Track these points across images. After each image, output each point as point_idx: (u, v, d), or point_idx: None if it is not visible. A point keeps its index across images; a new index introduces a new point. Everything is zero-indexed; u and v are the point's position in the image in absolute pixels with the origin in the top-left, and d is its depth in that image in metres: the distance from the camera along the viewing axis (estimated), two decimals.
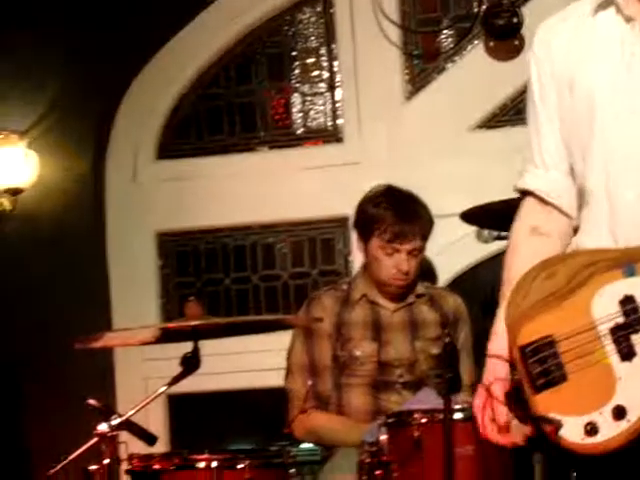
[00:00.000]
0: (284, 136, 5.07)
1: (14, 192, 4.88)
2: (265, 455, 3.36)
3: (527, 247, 2.17)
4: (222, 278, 5.10)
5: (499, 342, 2.12)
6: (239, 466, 3.20)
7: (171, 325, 3.31)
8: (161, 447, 3.41)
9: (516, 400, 2.07)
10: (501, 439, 2.13)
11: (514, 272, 2.13)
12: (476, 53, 4.88)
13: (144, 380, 4.89)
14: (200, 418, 5.08)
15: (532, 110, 2.19)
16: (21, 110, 4.98)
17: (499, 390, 2.10)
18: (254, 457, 3.24)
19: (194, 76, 5.08)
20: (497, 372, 2.12)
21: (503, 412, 2.10)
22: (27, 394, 4.88)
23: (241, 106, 5.11)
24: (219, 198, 5.02)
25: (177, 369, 3.11)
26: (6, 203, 4.92)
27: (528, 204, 2.22)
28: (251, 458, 3.21)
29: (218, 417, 5.08)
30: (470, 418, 2.98)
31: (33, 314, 4.91)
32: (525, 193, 2.22)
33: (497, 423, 2.11)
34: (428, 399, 3.40)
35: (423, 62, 4.97)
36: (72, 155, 4.99)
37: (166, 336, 3.36)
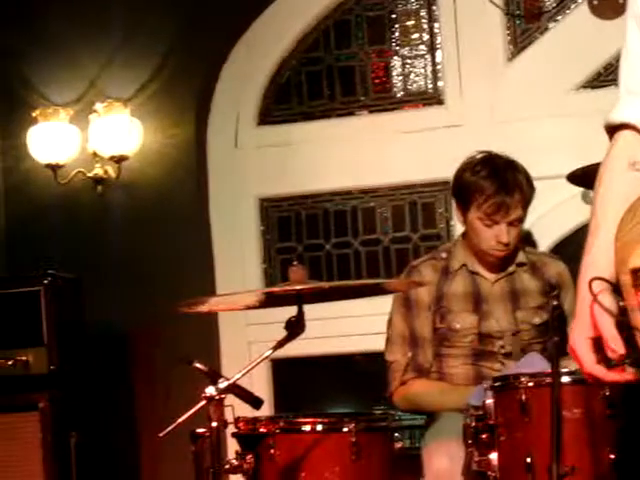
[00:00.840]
0: (384, 100, 5.04)
1: (118, 160, 4.94)
2: (370, 419, 3.37)
3: (624, 183, 2.01)
4: (323, 243, 5.10)
5: (596, 270, 1.95)
6: (344, 429, 3.22)
7: (275, 289, 3.32)
8: (265, 411, 3.44)
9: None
10: (613, 376, 1.93)
11: (608, 208, 1.99)
12: (579, 12, 4.79)
13: (248, 344, 4.94)
14: (302, 382, 5.11)
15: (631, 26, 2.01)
16: (125, 77, 5.03)
17: (608, 322, 1.90)
18: (359, 421, 3.25)
19: (294, 41, 5.08)
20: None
21: (618, 341, 1.88)
22: (134, 359, 4.96)
23: (341, 70, 5.09)
24: (320, 163, 5.02)
25: (280, 333, 3.12)
26: (111, 171, 4.99)
27: (624, 138, 2.04)
28: (356, 422, 3.23)
29: (320, 381, 5.11)
30: (578, 381, 2.98)
31: (137, 281, 4.98)
32: (618, 128, 2.04)
33: (613, 355, 1.89)
34: (534, 363, 3.37)
35: (525, 22, 4.89)
36: (175, 122, 5.03)
37: (270, 300, 3.38)
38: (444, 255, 3.79)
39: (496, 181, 3.60)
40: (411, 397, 3.68)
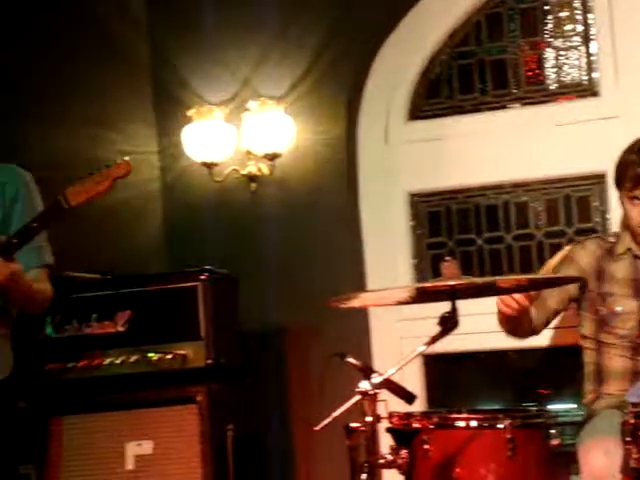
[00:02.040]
0: (537, 92, 4.98)
1: (272, 157, 5.00)
2: (526, 415, 3.34)
3: None
4: (474, 238, 5.07)
5: None
6: (499, 426, 3.20)
7: (428, 285, 3.32)
8: (416, 406, 3.43)
9: None
10: None
11: None
12: None
13: (399, 339, 4.95)
14: (453, 377, 5.09)
15: None
16: (277, 76, 5.09)
17: None
18: (514, 417, 3.22)
19: (445, 35, 5.05)
20: None
21: None
22: (287, 354, 5.02)
23: (493, 63, 5.05)
24: (470, 157, 4.99)
25: (430, 328, 3.12)
26: (264, 168, 5.05)
27: None
28: (511, 418, 3.20)
29: (471, 377, 5.07)
30: None
31: (290, 276, 5.04)
32: None
33: None
34: None
35: None
36: (326, 119, 5.07)
37: (422, 296, 3.38)
38: (612, 239, 3.78)
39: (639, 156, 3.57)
40: None
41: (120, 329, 4.23)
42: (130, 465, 4.12)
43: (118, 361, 4.19)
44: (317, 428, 3.14)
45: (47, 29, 4.90)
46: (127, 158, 3.30)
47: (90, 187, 3.23)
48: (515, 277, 3.95)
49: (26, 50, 4.84)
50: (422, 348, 3.10)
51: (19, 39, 4.82)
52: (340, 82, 5.06)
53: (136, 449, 4.11)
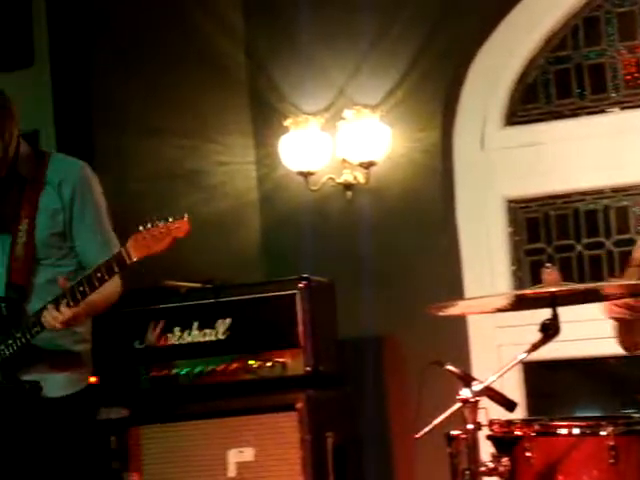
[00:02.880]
0: (636, 95, 4.91)
1: (367, 165, 5.02)
2: (628, 422, 3.29)
3: None
4: (574, 244, 5.02)
5: None
6: (601, 433, 3.15)
7: (528, 292, 3.29)
8: (517, 413, 3.41)
9: None
10: None
11: None
12: None
13: (497, 347, 4.92)
14: (553, 384, 5.05)
15: None
16: (372, 84, 5.11)
17: None
18: (617, 424, 3.18)
19: (542, 40, 5.02)
20: None
21: None
22: (385, 361, 5.02)
23: (590, 67, 5.00)
24: (569, 162, 4.94)
25: (529, 336, 3.10)
26: (360, 176, 5.07)
27: None
28: (614, 425, 3.15)
29: (571, 384, 5.02)
30: None
31: (386, 284, 5.04)
32: None
33: None
34: None
35: None
36: (422, 126, 5.07)
37: (521, 303, 3.35)
38: None
39: None
40: None
41: (221, 337, 4.28)
42: (232, 472, 4.16)
43: (219, 369, 4.24)
44: (417, 436, 3.14)
45: (148, 45, 5.00)
46: (185, 217, 3.20)
47: (151, 243, 3.15)
48: (619, 282, 3.89)
49: (128, 66, 4.94)
50: (523, 355, 3.08)
51: (122, 56, 4.92)
52: (435, 89, 5.06)
53: (237, 456, 4.15)
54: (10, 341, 3.25)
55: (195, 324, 4.32)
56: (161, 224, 3.16)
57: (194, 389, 4.27)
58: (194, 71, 5.15)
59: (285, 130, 5.07)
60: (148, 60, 5.00)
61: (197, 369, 4.26)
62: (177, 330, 4.32)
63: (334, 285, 4.57)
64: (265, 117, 5.29)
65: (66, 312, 3.18)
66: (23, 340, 3.25)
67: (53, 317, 3.19)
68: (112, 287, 3.37)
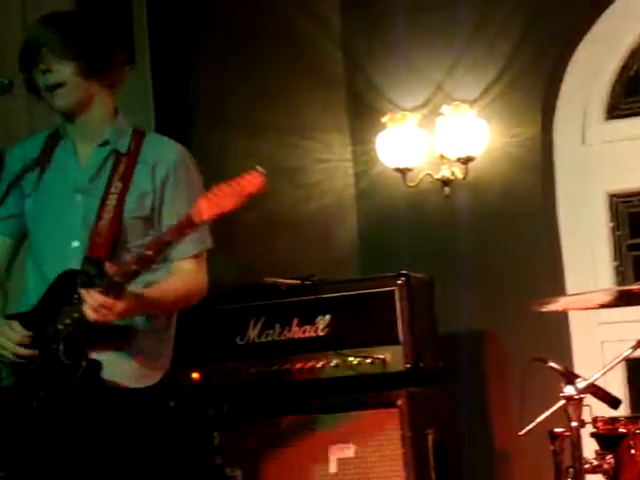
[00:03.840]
0: None
1: (465, 161, 5.00)
2: None
3: None
4: None
5: None
6: None
7: (634, 287, 3.25)
8: (621, 410, 3.37)
9: None
10: None
11: None
12: None
13: (600, 343, 4.86)
14: None
15: None
16: (470, 80, 5.09)
17: None
18: None
19: None
20: None
21: None
22: (486, 357, 5.00)
23: None
24: None
25: (633, 332, 3.07)
26: (457, 172, 5.05)
27: None
28: None
29: None
30: None
31: (486, 280, 5.01)
32: None
33: None
34: None
35: None
36: (520, 121, 5.03)
37: (624, 299, 3.32)
38: None
39: None
40: None
41: (320, 333, 4.30)
42: (333, 468, 4.17)
43: (319, 365, 4.26)
44: (521, 433, 3.13)
45: (247, 44, 5.05)
46: (259, 168, 2.97)
47: (223, 201, 2.91)
48: None
49: (227, 65, 4.99)
50: (628, 352, 3.05)
51: (222, 54, 4.98)
52: (534, 83, 5.01)
53: (339, 452, 4.16)
54: (76, 314, 3.05)
55: (295, 320, 4.34)
56: (234, 182, 2.93)
57: (294, 385, 4.29)
58: (292, 69, 5.18)
59: (382, 127, 5.07)
60: (247, 59, 5.05)
61: (297, 365, 4.28)
62: (277, 326, 4.35)
63: (433, 281, 4.55)
64: (362, 114, 5.30)
65: (107, 302, 2.97)
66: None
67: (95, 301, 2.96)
68: (196, 277, 3.23)
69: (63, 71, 3.14)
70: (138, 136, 3.25)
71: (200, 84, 5.02)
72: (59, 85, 3.15)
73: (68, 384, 3.06)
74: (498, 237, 5.04)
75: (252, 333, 4.36)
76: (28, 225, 3.27)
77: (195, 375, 4.38)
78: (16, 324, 3.12)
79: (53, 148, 3.27)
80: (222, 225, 4.91)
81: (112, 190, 3.15)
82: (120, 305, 2.99)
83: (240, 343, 4.37)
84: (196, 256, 3.24)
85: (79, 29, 3.19)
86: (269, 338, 4.34)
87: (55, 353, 3.09)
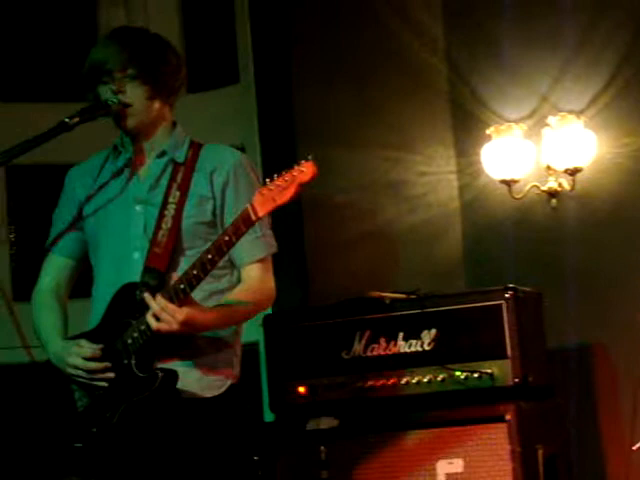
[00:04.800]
0: None
1: (572, 172, 4.93)
2: None
3: None
4: None
5: None
6: None
7: None
8: None
9: None
10: None
11: None
12: None
13: None
14: None
15: None
16: (577, 90, 5.02)
17: None
18: None
19: None
20: None
21: None
22: (596, 371, 4.92)
23: None
24: None
25: None
26: (565, 183, 4.99)
27: None
28: None
29: None
30: None
31: (594, 293, 4.94)
32: None
33: None
34: None
35: None
36: (628, 131, 4.94)
37: None
38: None
39: None
40: None
41: (426, 348, 4.27)
42: None
43: (425, 379, 4.23)
44: (635, 447, 3.07)
45: (349, 59, 5.07)
46: (310, 157, 2.88)
47: (277, 195, 2.87)
48: None
49: (330, 80, 5.02)
50: None
51: (324, 70, 5.01)
52: None
53: (447, 467, 4.13)
54: (144, 327, 3.07)
55: (400, 334, 4.32)
56: (286, 173, 2.88)
57: (401, 400, 4.27)
58: (395, 83, 5.18)
59: (487, 139, 5.04)
60: (349, 73, 5.07)
61: (403, 380, 4.26)
62: (383, 341, 4.34)
63: (541, 295, 4.50)
64: (466, 126, 5.27)
65: (169, 307, 2.97)
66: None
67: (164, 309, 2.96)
68: (263, 285, 3.22)
69: (133, 93, 3.20)
70: (195, 146, 3.30)
71: (304, 100, 5.05)
72: (127, 105, 3.21)
73: (148, 395, 3.08)
74: (607, 249, 4.96)
75: (358, 347, 4.36)
76: (90, 244, 3.32)
77: (301, 389, 4.39)
78: (84, 341, 3.17)
79: (112, 164, 3.33)
80: (327, 238, 4.94)
81: (170, 200, 3.19)
82: (183, 312, 3.00)
83: (346, 357, 4.37)
84: (262, 260, 3.24)
85: (151, 53, 3.23)
86: (375, 352, 4.34)
87: (128, 368, 3.12)
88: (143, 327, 3.08)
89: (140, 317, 3.08)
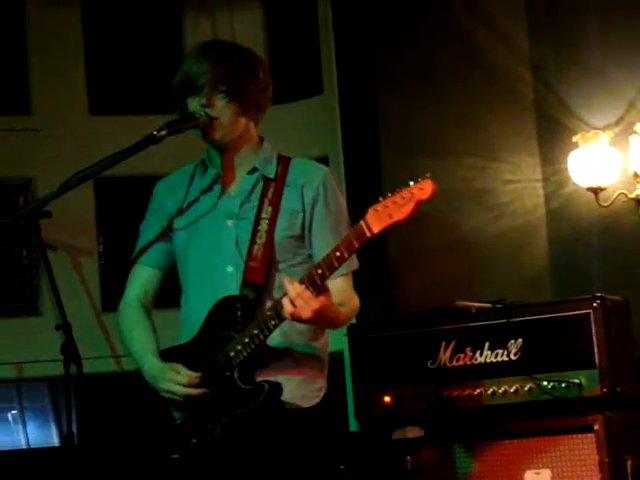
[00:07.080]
0: None
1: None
2: None
3: None
4: None
5: None
6: None
7: None
8: None
9: None
10: None
11: None
12: None
13: None
14: None
15: None
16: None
17: None
18: None
19: None
20: None
21: None
22: None
23: None
24: None
25: None
26: None
27: None
28: None
29: None
30: None
31: None
32: None
33: None
34: None
35: None
36: None
37: None
38: None
39: None
40: None
41: (513, 357, 4.24)
42: None
43: (512, 389, 4.20)
44: None
45: (434, 68, 5.07)
46: (429, 175, 2.88)
47: (393, 211, 2.87)
48: None
49: (414, 89, 5.03)
50: None
51: (408, 79, 5.02)
52: None
53: (534, 477, 4.09)
54: (247, 339, 3.11)
55: (486, 344, 4.30)
56: (404, 190, 2.87)
57: (487, 410, 4.25)
58: (481, 91, 5.17)
59: (573, 146, 4.99)
60: (434, 83, 5.07)
61: (489, 390, 4.24)
62: (468, 350, 4.32)
63: (629, 303, 4.44)
64: (552, 134, 5.23)
65: (305, 294, 2.97)
66: (261, 337, 3.09)
67: (298, 296, 2.98)
68: (352, 298, 3.26)
69: (222, 108, 3.23)
70: (284, 161, 3.33)
71: (387, 109, 5.05)
72: (214, 118, 3.23)
73: (254, 408, 3.11)
74: None
75: (443, 357, 4.34)
76: (179, 258, 3.35)
77: (387, 399, 4.39)
78: (181, 367, 3.18)
79: (200, 179, 3.36)
80: (411, 248, 4.92)
81: (263, 215, 3.23)
82: (317, 300, 3.00)
83: (431, 367, 4.35)
84: (344, 276, 3.26)
85: (243, 71, 3.25)
86: (460, 362, 4.31)
87: (231, 380, 3.15)
88: (247, 340, 3.11)
89: (242, 330, 3.13)
